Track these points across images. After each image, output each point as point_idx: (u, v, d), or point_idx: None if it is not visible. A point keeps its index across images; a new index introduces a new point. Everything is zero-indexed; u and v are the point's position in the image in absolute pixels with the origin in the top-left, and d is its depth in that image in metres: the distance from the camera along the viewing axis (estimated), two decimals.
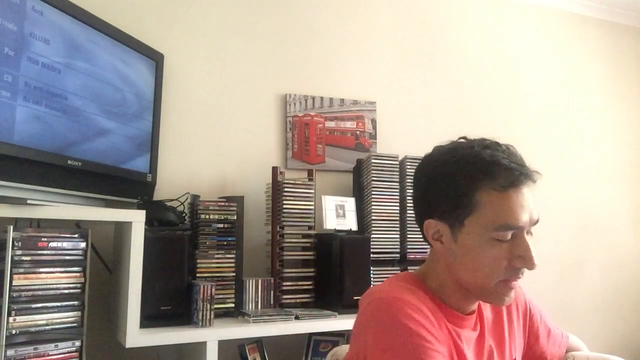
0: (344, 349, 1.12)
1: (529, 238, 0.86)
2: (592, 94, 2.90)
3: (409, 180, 1.96)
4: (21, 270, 1.24)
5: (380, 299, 0.84)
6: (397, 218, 1.95)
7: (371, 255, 1.83)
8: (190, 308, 1.56)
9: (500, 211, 0.83)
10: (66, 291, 1.31)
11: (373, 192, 1.92)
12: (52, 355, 1.27)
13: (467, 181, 0.86)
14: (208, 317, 1.53)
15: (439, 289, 0.91)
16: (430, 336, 0.80)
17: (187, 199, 1.78)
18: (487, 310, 0.98)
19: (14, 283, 1.22)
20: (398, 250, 1.94)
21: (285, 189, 1.81)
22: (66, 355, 1.29)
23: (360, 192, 2.01)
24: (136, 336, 1.41)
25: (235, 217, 1.73)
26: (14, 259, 1.22)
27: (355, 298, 1.70)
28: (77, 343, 1.32)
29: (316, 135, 2.17)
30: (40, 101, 1.33)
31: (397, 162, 1.99)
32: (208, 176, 1.97)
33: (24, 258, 1.25)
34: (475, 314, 0.94)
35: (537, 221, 0.87)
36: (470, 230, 0.85)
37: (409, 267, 1.92)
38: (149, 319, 1.47)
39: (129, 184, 1.66)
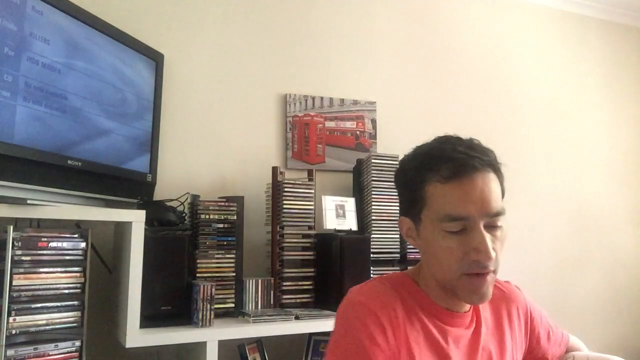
0: None
1: (490, 230, 0.83)
2: (592, 94, 2.90)
3: None
4: (21, 270, 1.24)
5: (347, 303, 0.89)
6: (397, 218, 1.94)
7: (371, 255, 1.83)
8: (190, 308, 1.56)
9: (443, 203, 0.84)
10: (66, 291, 1.31)
11: (373, 192, 1.92)
12: (52, 355, 1.27)
13: (415, 176, 0.89)
14: (208, 317, 1.53)
15: (427, 287, 0.92)
16: (376, 347, 0.82)
17: (187, 199, 1.78)
18: (486, 310, 0.97)
19: (14, 283, 1.22)
20: (398, 250, 1.93)
21: (285, 189, 1.81)
22: (66, 355, 1.29)
23: (360, 192, 2.01)
24: (136, 336, 1.41)
25: (235, 217, 1.73)
26: (14, 259, 1.22)
27: None
28: (77, 343, 1.32)
29: (316, 135, 2.17)
30: (40, 101, 1.33)
31: (397, 162, 1.98)
32: (208, 176, 1.97)
33: (24, 258, 1.25)
34: (471, 313, 0.93)
35: (496, 213, 0.83)
36: (426, 225, 0.87)
37: (408, 267, 1.92)
38: (149, 319, 1.47)
39: (129, 184, 1.66)
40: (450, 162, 0.84)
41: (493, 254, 0.82)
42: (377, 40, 2.37)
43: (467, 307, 0.93)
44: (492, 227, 0.84)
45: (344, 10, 2.32)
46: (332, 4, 2.30)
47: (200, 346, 1.51)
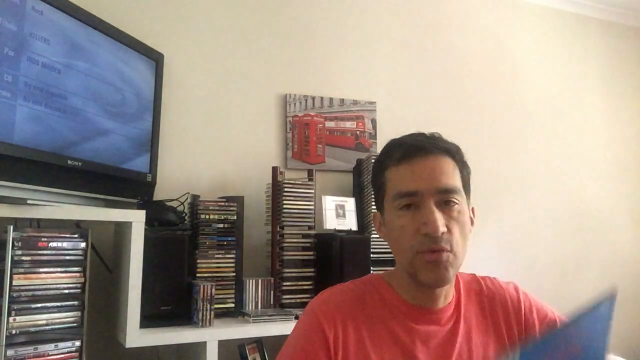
0: None
1: (443, 208, 0.85)
2: (592, 93, 2.90)
3: None
4: (21, 270, 1.24)
5: (310, 302, 0.94)
6: None
7: (371, 255, 1.83)
8: (190, 308, 1.56)
9: (396, 181, 0.89)
10: (66, 291, 1.31)
11: (373, 192, 1.92)
12: (52, 355, 1.27)
13: (377, 167, 0.95)
14: (208, 317, 1.53)
15: (399, 286, 0.93)
16: (312, 353, 0.86)
17: (187, 199, 1.78)
18: (471, 307, 0.96)
19: (14, 283, 1.22)
20: None
21: (285, 189, 1.81)
22: (66, 355, 1.29)
23: (360, 192, 2.01)
24: (136, 336, 1.41)
25: (235, 217, 1.73)
26: (14, 259, 1.22)
27: None
28: (77, 343, 1.32)
29: (316, 135, 2.17)
30: (40, 101, 1.33)
31: None
32: (208, 176, 1.97)
33: (24, 258, 1.25)
34: (452, 310, 0.93)
35: (446, 189, 0.86)
36: (387, 211, 0.92)
37: None
38: (149, 319, 1.47)
39: (129, 184, 1.66)
40: (404, 146, 0.91)
41: (443, 228, 0.83)
42: (377, 40, 2.37)
43: (443, 301, 0.92)
44: (445, 205, 0.86)
45: (344, 11, 2.32)
46: (333, 4, 2.30)
47: (200, 346, 1.51)
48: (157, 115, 1.79)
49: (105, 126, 1.56)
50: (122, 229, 1.54)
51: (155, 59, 1.80)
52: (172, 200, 1.72)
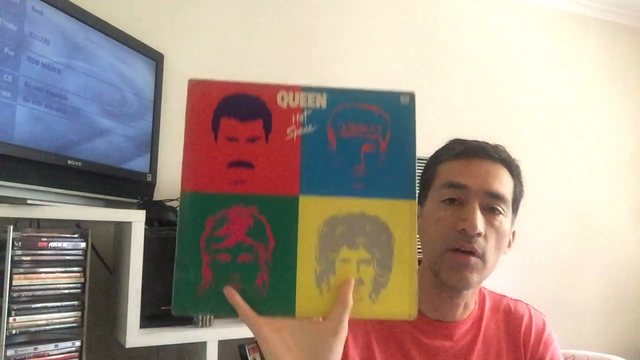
0: None
1: (486, 213, 0.83)
2: (592, 94, 2.90)
3: None
4: (21, 270, 1.24)
5: None
6: None
7: None
8: None
9: (447, 173, 0.88)
10: (66, 291, 1.31)
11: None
12: (52, 355, 1.27)
13: (432, 159, 0.94)
14: (208, 317, 1.53)
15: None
16: None
17: None
18: (492, 325, 0.92)
19: (14, 283, 1.22)
20: None
21: None
22: (66, 355, 1.29)
23: None
24: (136, 336, 1.41)
25: None
26: (14, 259, 1.22)
27: None
28: (77, 343, 1.32)
29: None
30: (40, 101, 1.33)
31: None
32: None
33: (24, 258, 1.25)
34: (467, 325, 0.89)
35: (496, 194, 0.84)
36: (429, 200, 0.90)
37: None
38: (149, 319, 1.47)
39: (129, 184, 1.66)
40: (465, 144, 0.90)
41: (480, 228, 0.81)
42: (377, 41, 2.37)
43: (462, 312, 0.89)
44: (489, 211, 0.84)
45: (345, 12, 2.32)
46: (333, 4, 2.30)
47: (200, 346, 1.51)
48: (157, 115, 1.79)
49: (105, 126, 1.56)
50: (122, 229, 1.54)
51: (155, 59, 1.80)
52: (172, 200, 1.72)
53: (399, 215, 0.63)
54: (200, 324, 1.51)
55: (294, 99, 0.65)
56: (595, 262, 2.77)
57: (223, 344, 1.54)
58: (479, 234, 0.82)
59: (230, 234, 0.62)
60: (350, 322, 0.85)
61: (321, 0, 2.28)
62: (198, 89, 0.68)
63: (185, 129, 0.64)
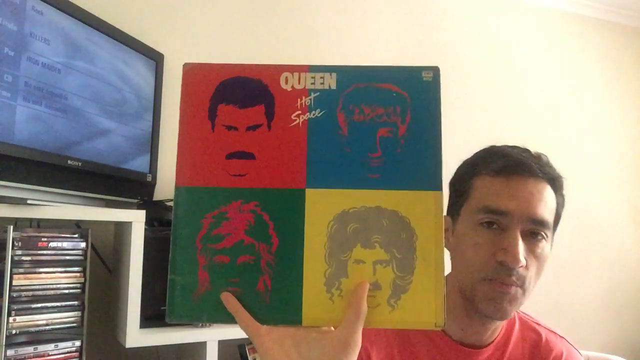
0: None
1: (528, 239, 0.77)
2: (592, 93, 2.90)
3: None
4: (21, 270, 1.24)
5: None
6: None
7: None
8: None
9: (487, 193, 0.79)
10: (66, 291, 1.31)
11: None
12: (52, 355, 1.27)
13: (467, 170, 0.85)
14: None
15: None
16: None
17: None
18: (518, 353, 0.86)
19: (14, 283, 1.22)
20: None
21: None
22: (66, 355, 1.29)
23: None
24: (136, 336, 1.41)
25: None
26: (14, 259, 1.22)
27: None
28: (77, 343, 1.32)
29: None
30: (40, 101, 1.33)
31: None
32: None
33: (24, 258, 1.25)
34: (492, 351, 0.84)
35: (540, 220, 0.77)
36: (463, 219, 0.82)
37: None
38: (149, 319, 1.47)
39: (129, 184, 1.66)
40: (506, 158, 0.80)
41: (523, 261, 0.74)
42: (377, 41, 2.37)
43: (486, 339, 0.84)
44: (531, 237, 0.78)
45: (344, 11, 2.32)
46: (333, 4, 2.30)
47: (200, 346, 1.51)
48: (157, 115, 1.79)
49: (105, 126, 1.56)
50: (122, 229, 1.53)
51: (155, 59, 1.80)
52: (172, 200, 1.72)
53: (422, 209, 0.55)
54: (200, 324, 1.51)
55: (299, 81, 0.57)
56: (595, 262, 2.77)
57: (223, 344, 1.54)
58: (520, 267, 0.75)
59: (229, 232, 0.56)
60: (372, 332, 0.79)
61: (321, 1, 2.28)
62: (193, 74, 0.63)
63: (179, 118, 0.61)
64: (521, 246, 0.75)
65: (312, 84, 0.57)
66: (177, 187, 0.60)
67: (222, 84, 0.60)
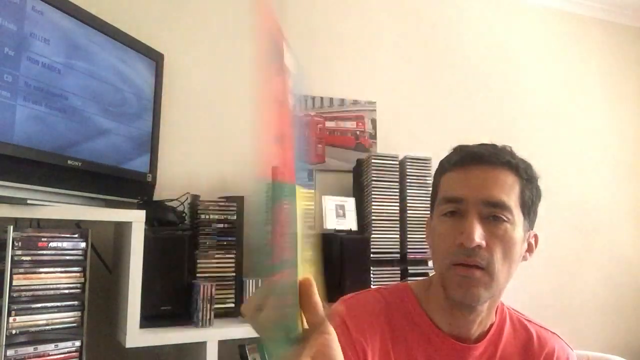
0: None
1: (489, 222, 0.79)
2: (592, 94, 2.90)
3: (408, 180, 1.96)
4: (21, 270, 1.24)
5: (336, 309, 0.83)
6: (397, 218, 1.95)
7: (371, 255, 1.83)
8: (190, 308, 1.55)
9: (446, 186, 0.86)
10: (66, 291, 1.31)
11: (373, 192, 1.92)
12: (52, 355, 1.27)
13: (437, 169, 0.91)
14: (208, 317, 1.53)
15: (430, 306, 0.87)
16: None
17: (187, 199, 1.77)
18: (509, 348, 0.88)
19: (14, 283, 1.22)
20: (398, 250, 1.93)
21: None
22: (66, 355, 1.29)
23: (360, 192, 2.00)
24: (136, 336, 1.41)
25: (235, 217, 1.73)
26: (14, 259, 1.22)
27: None
28: (77, 343, 1.32)
29: (316, 135, 2.16)
30: (40, 101, 1.33)
31: (397, 162, 1.99)
32: (208, 176, 1.97)
33: (24, 258, 1.25)
34: (484, 345, 0.86)
35: (494, 202, 0.80)
36: (434, 214, 0.88)
37: (408, 267, 1.93)
38: (149, 319, 1.47)
39: (129, 184, 1.66)
40: (462, 152, 0.86)
41: (479, 241, 0.77)
42: (377, 40, 2.37)
43: (476, 328, 0.85)
44: (493, 219, 0.80)
45: (344, 11, 2.32)
46: (333, 5, 2.30)
47: (200, 346, 1.51)
48: (157, 115, 1.79)
49: (105, 126, 1.56)
50: (122, 229, 1.54)
51: (155, 59, 1.80)
52: (172, 200, 1.72)
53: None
54: (200, 324, 1.51)
55: None
56: (595, 262, 2.77)
57: (223, 344, 1.54)
58: (479, 247, 0.78)
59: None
60: (366, 326, 0.82)
61: (322, 1, 2.28)
62: None
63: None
64: (477, 227, 0.78)
65: None
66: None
67: None
